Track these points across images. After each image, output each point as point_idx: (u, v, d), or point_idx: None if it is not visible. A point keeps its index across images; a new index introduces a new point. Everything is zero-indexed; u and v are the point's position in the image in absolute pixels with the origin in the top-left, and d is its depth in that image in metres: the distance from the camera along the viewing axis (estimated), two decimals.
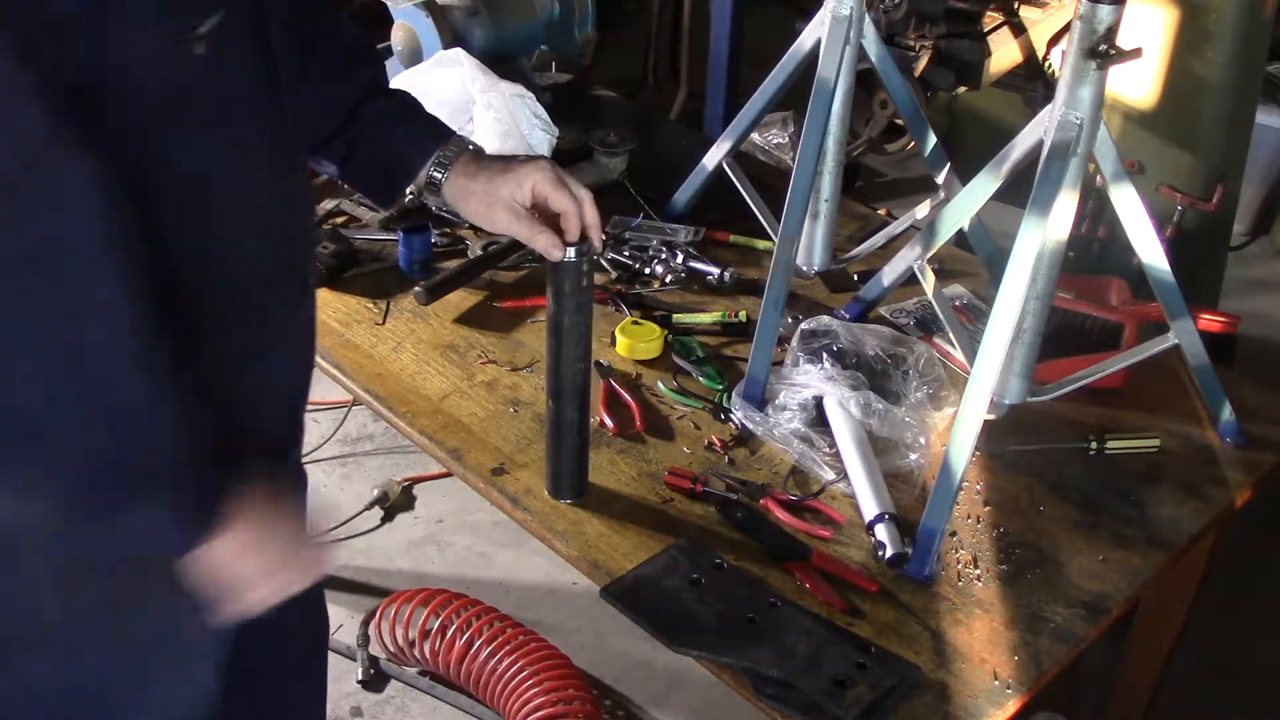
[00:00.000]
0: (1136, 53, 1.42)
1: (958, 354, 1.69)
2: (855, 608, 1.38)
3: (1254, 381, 1.78)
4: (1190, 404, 1.73)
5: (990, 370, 1.44)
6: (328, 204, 2.05)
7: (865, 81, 2.61)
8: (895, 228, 1.99)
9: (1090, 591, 1.42)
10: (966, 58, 3.07)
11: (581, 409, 1.44)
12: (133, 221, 0.92)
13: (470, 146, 1.37)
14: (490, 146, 2.05)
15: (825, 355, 1.68)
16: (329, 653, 1.60)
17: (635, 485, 1.54)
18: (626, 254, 1.96)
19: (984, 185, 1.60)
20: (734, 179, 2.00)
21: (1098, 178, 1.57)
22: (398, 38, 2.26)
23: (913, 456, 1.57)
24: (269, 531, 1.02)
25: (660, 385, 1.71)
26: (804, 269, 1.94)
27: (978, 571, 1.44)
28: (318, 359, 1.52)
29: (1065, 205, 1.47)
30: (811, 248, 1.93)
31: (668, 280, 1.93)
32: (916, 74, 2.99)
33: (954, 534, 1.50)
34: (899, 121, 3.16)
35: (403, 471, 2.73)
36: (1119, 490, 1.58)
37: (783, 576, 1.41)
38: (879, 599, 1.39)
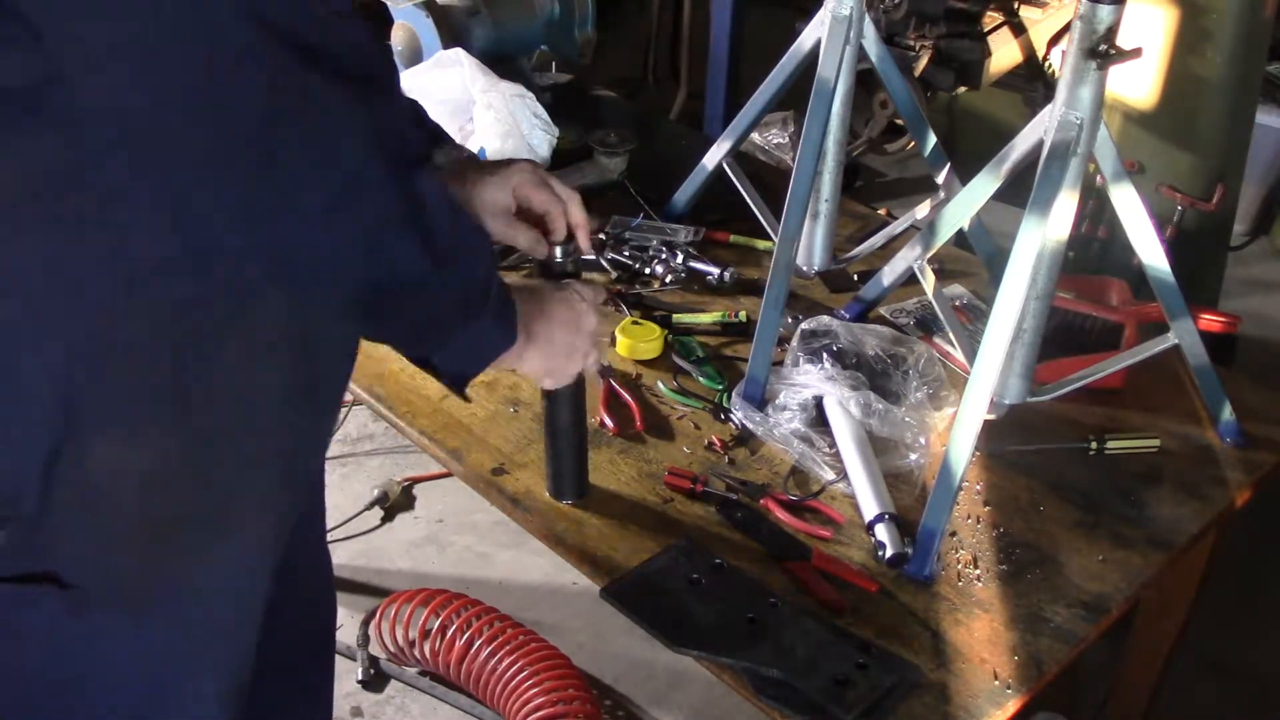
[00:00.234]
0: (1136, 53, 1.42)
1: (958, 354, 1.69)
2: (855, 608, 1.38)
3: (1254, 381, 1.78)
4: (1190, 404, 1.73)
5: (990, 370, 1.44)
6: None
7: (865, 81, 2.61)
8: (895, 228, 1.99)
9: (1090, 591, 1.42)
10: (966, 58, 3.07)
11: (576, 412, 1.44)
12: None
13: (464, 155, 1.37)
14: (490, 147, 2.05)
15: (825, 355, 1.68)
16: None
17: (635, 485, 1.54)
18: (626, 254, 1.96)
19: (984, 185, 1.60)
20: (734, 179, 2.00)
21: (1098, 178, 1.57)
22: (398, 38, 2.26)
23: (913, 456, 1.57)
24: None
25: (660, 385, 1.71)
26: (804, 269, 1.94)
27: (978, 571, 1.44)
28: None
29: (1065, 205, 1.47)
30: (811, 248, 1.93)
31: (668, 280, 1.93)
32: (916, 74, 3.00)
33: (954, 534, 1.50)
34: (899, 121, 3.16)
35: (403, 471, 2.73)
36: (1119, 490, 1.58)
37: (783, 576, 1.41)
38: (879, 599, 1.39)
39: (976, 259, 1.95)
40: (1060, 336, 1.73)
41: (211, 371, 1.01)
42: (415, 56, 2.24)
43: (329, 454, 2.78)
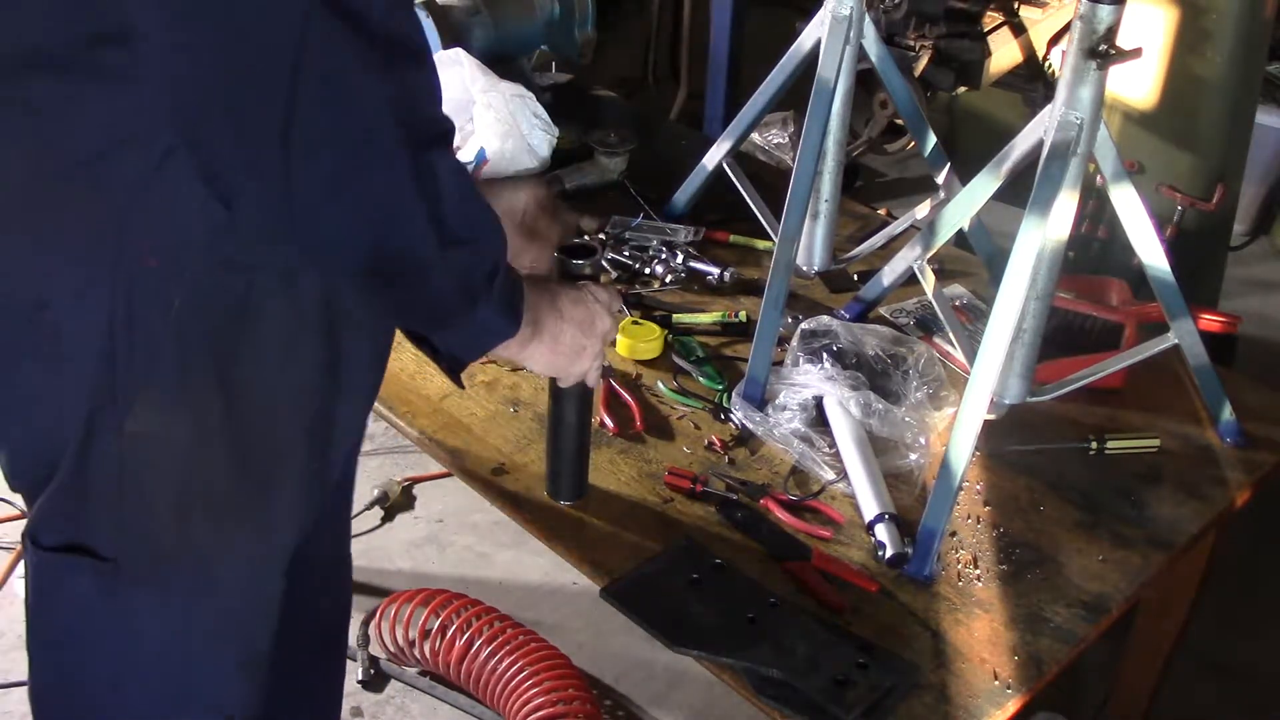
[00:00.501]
0: (1136, 53, 1.42)
1: (958, 354, 1.69)
2: (855, 608, 1.38)
3: (1254, 381, 1.78)
4: (1190, 404, 1.73)
5: (990, 370, 1.44)
6: None
7: (865, 81, 2.60)
8: (895, 228, 1.99)
9: (1090, 591, 1.42)
10: (966, 58, 3.06)
11: (581, 412, 1.44)
12: None
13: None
14: (490, 147, 2.05)
15: (825, 355, 1.68)
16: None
17: (635, 485, 1.54)
18: (626, 254, 1.96)
19: (984, 185, 1.60)
20: (734, 179, 2.00)
21: (1098, 178, 1.57)
22: None
23: (913, 456, 1.57)
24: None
25: (660, 385, 1.71)
26: (804, 269, 1.94)
27: (978, 571, 1.44)
28: None
29: (1065, 205, 1.47)
30: (811, 248, 1.93)
31: (668, 280, 1.93)
32: (916, 74, 2.99)
33: (954, 534, 1.50)
34: (899, 121, 3.16)
35: (403, 471, 2.73)
36: (1119, 490, 1.58)
37: (783, 576, 1.41)
38: (879, 599, 1.39)
39: (976, 259, 1.95)
40: (1060, 336, 1.73)
41: (248, 344, 1.03)
42: None
43: None
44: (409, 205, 0.96)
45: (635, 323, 1.79)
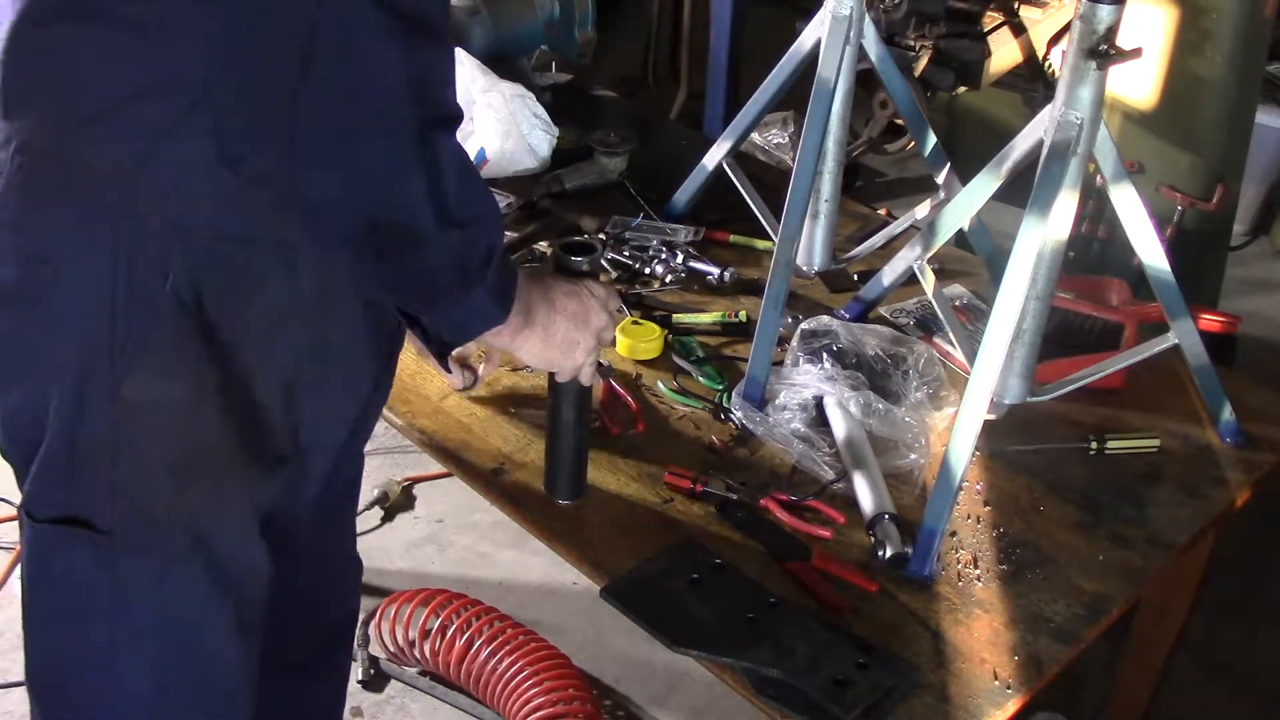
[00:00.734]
0: (1136, 53, 1.42)
1: (958, 354, 1.69)
2: (855, 608, 1.38)
3: (1254, 381, 1.78)
4: (1190, 404, 1.73)
5: (990, 370, 1.44)
6: None
7: (865, 81, 2.60)
8: (895, 228, 1.99)
9: (1090, 591, 1.42)
10: (966, 58, 3.06)
11: (579, 410, 1.44)
12: None
13: None
14: (491, 147, 2.05)
15: (825, 355, 1.68)
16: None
17: (635, 485, 1.54)
18: (626, 254, 1.96)
19: (984, 185, 1.60)
20: (734, 179, 2.00)
21: (1098, 178, 1.57)
22: None
23: (913, 456, 1.57)
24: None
25: (660, 385, 1.71)
26: (804, 269, 1.94)
27: (978, 571, 1.44)
28: None
29: (1065, 205, 1.47)
30: (811, 248, 1.93)
31: (668, 280, 1.93)
32: (916, 74, 2.99)
33: (954, 534, 1.50)
34: (899, 121, 3.15)
35: (403, 471, 2.73)
36: (1119, 490, 1.58)
37: (783, 576, 1.41)
38: (879, 599, 1.39)
39: (976, 259, 1.95)
40: (1060, 336, 1.73)
41: (242, 317, 1.04)
42: None
43: None
44: (410, 178, 0.97)
45: (635, 323, 1.78)
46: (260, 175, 0.97)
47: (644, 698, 2.23)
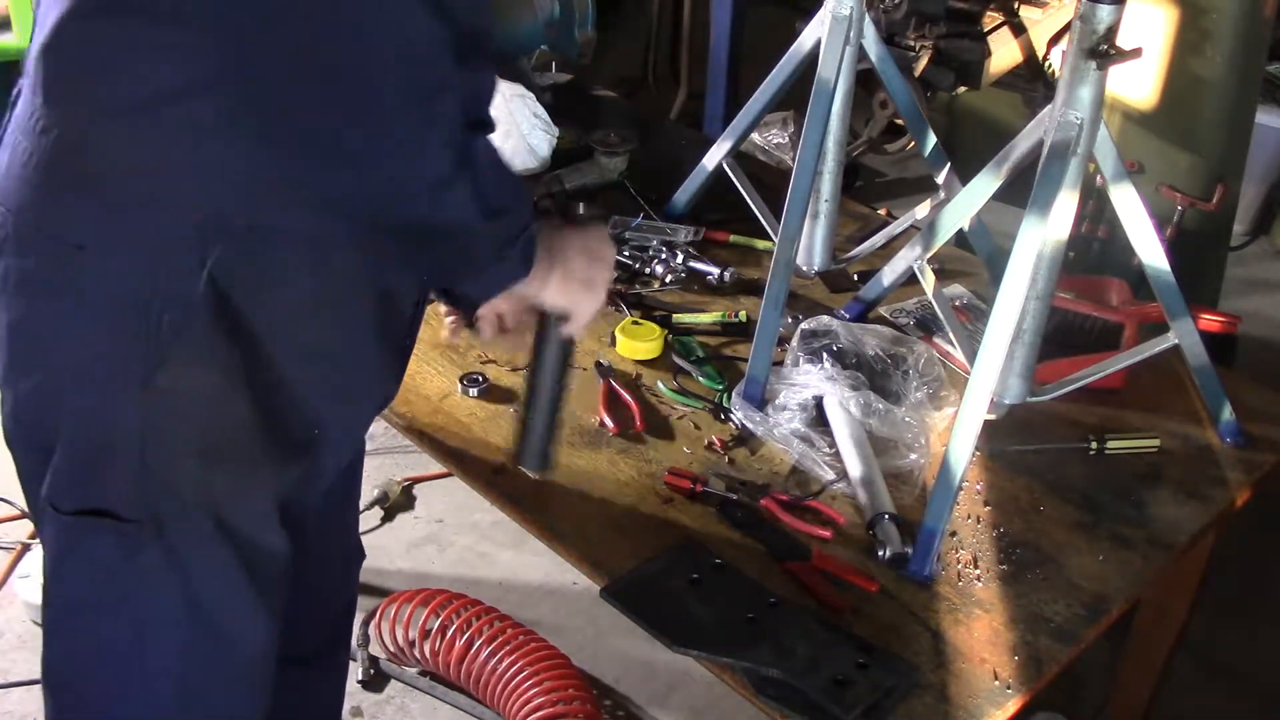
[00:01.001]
0: (1136, 53, 1.42)
1: (958, 354, 1.69)
2: (855, 608, 1.38)
3: (1254, 381, 1.78)
4: (1190, 404, 1.73)
5: (990, 370, 1.44)
6: None
7: (865, 81, 2.60)
8: (895, 228, 1.99)
9: (1090, 591, 1.42)
10: (966, 58, 3.06)
11: (558, 371, 1.35)
12: None
13: None
14: None
15: (825, 355, 1.68)
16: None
17: (635, 485, 1.54)
18: (626, 254, 1.96)
19: (984, 185, 1.60)
20: (734, 179, 2.00)
21: (1098, 178, 1.57)
22: None
23: (913, 456, 1.57)
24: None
25: (660, 385, 1.71)
26: (804, 269, 1.94)
27: (978, 571, 1.44)
28: None
29: (1065, 205, 1.47)
30: (811, 248, 1.93)
31: (668, 280, 1.93)
32: (916, 74, 2.99)
33: (954, 534, 1.50)
34: (899, 121, 3.16)
35: (403, 471, 2.73)
36: (1119, 490, 1.58)
37: (783, 576, 1.41)
38: (879, 599, 1.39)
39: (976, 259, 1.95)
40: (1060, 336, 1.73)
41: (271, 307, 1.06)
42: None
43: None
44: (456, 185, 1.01)
45: (635, 323, 1.78)
46: (298, 175, 0.99)
47: (644, 698, 2.23)
